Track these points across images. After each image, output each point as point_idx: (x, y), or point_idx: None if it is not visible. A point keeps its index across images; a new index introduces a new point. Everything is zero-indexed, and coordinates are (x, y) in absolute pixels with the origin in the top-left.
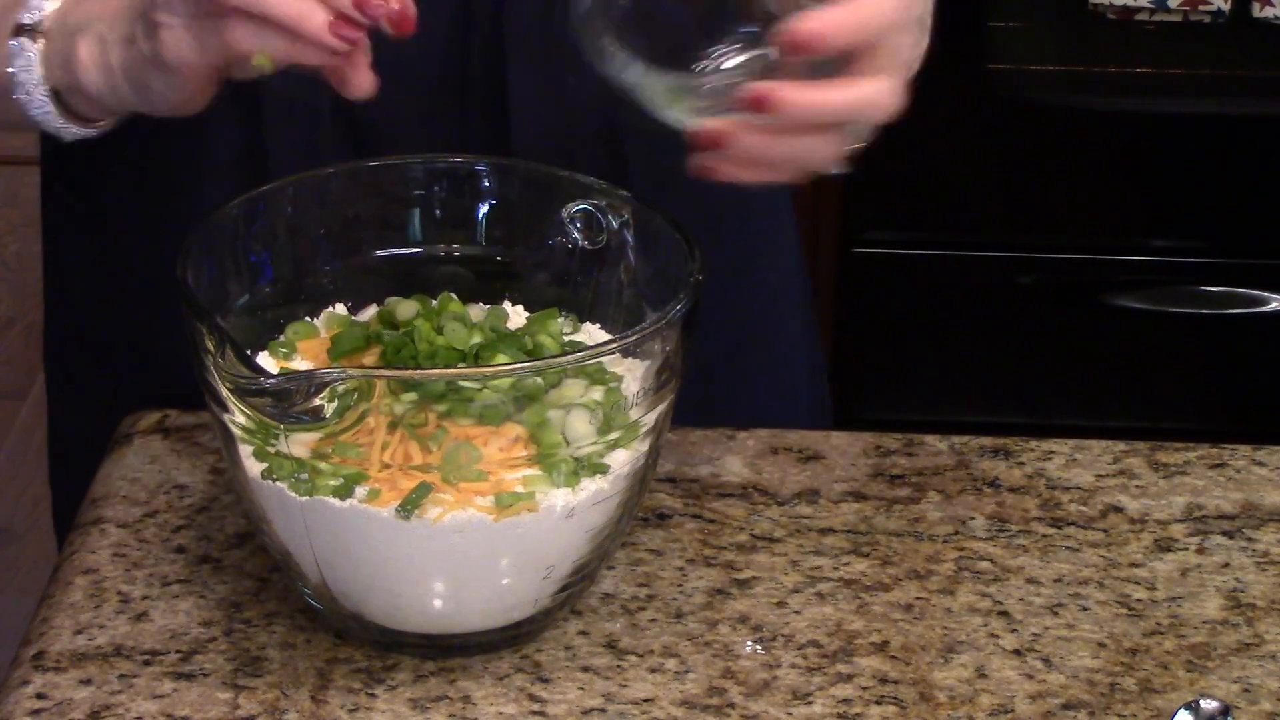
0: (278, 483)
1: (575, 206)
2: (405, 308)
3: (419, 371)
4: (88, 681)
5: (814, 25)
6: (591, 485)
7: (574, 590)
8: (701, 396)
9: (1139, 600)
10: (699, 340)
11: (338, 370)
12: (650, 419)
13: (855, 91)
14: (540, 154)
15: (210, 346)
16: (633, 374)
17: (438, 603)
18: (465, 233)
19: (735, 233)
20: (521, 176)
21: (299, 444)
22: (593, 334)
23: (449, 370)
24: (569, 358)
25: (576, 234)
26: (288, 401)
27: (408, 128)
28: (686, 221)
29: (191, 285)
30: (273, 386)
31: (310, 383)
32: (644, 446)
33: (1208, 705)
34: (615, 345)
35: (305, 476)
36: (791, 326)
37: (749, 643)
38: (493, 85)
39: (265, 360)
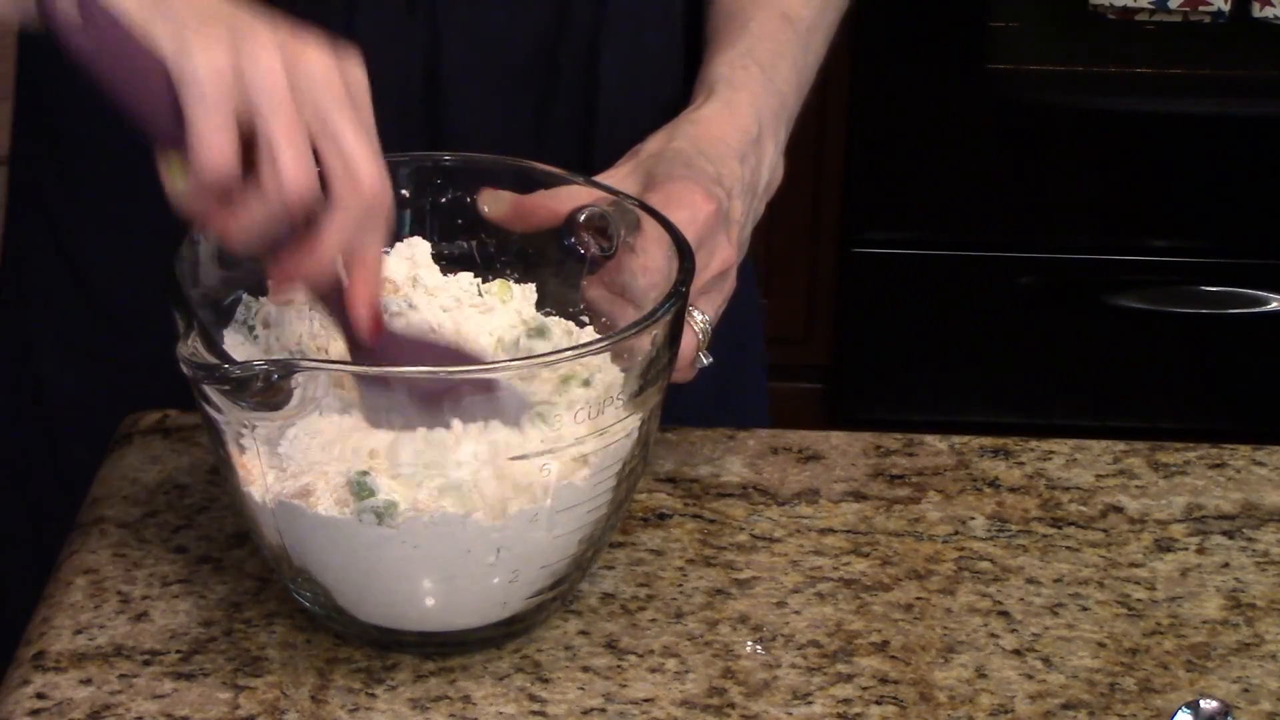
0: (251, 487)
1: (586, 212)
2: None
3: (386, 369)
4: (88, 681)
5: None
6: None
7: (547, 595)
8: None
9: (1139, 600)
10: None
11: (301, 359)
12: (632, 422)
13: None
14: (621, 148)
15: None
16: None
17: (401, 600)
18: (473, 234)
19: None
20: (539, 179)
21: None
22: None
23: (415, 370)
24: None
25: (589, 238)
26: (247, 389)
27: (487, 112)
28: None
29: (177, 277)
30: (236, 374)
31: (273, 370)
32: (622, 451)
33: (1208, 705)
34: (597, 347)
35: (271, 477)
36: (753, 345)
37: (749, 643)
38: (583, 79)
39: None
